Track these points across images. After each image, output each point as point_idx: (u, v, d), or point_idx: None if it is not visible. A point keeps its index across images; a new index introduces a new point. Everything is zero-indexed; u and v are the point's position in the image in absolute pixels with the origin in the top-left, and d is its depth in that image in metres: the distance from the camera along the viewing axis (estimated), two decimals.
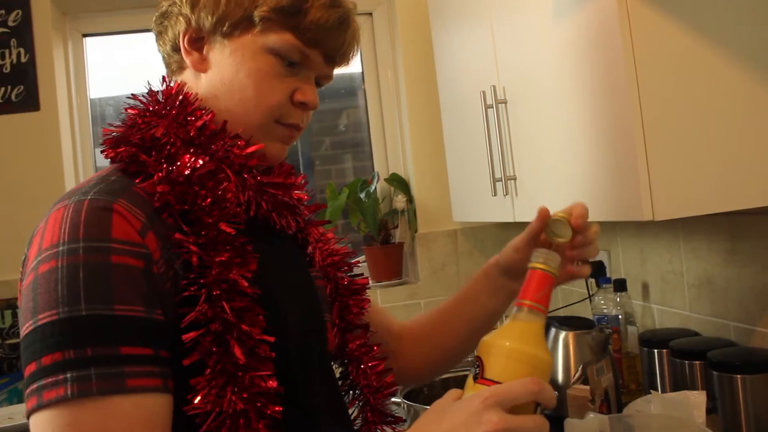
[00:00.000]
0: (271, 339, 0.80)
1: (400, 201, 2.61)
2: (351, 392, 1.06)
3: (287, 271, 0.94)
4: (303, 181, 0.98)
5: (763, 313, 1.44)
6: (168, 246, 0.78)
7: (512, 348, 0.76)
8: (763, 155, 1.23)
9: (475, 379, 0.76)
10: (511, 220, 1.78)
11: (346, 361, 1.06)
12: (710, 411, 1.25)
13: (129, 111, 0.88)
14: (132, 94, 0.90)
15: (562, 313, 2.03)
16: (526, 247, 1.03)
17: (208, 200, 0.80)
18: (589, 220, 1.38)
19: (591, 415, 0.97)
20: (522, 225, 2.47)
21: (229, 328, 0.77)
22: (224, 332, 0.77)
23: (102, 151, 0.86)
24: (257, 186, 0.88)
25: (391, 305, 2.51)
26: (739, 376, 1.37)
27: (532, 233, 1.03)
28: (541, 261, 0.82)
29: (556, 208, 1.52)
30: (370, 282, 2.60)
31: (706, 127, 1.21)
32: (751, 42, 1.22)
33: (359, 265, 2.67)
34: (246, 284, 0.80)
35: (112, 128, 0.87)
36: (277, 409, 0.78)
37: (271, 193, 0.90)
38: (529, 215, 1.68)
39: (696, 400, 1.20)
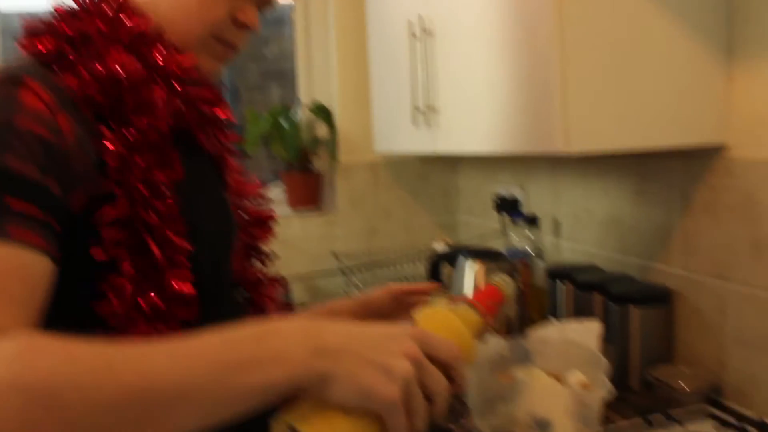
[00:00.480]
0: (190, 247, 0.80)
1: (322, 130, 2.58)
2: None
3: (206, 189, 0.93)
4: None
5: (662, 251, 1.51)
6: (87, 138, 0.75)
7: (451, 321, 0.76)
8: (674, 98, 1.27)
9: None
10: (431, 151, 1.79)
11: (246, 289, 1.07)
12: (605, 339, 1.31)
13: (58, 9, 0.84)
14: None
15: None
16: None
17: (136, 103, 0.78)
18: (508, 151, 1.40)
19: (490, 338, 1.00)
20: (441, 156, 2.50)
21: (149, 230, 0.77)
22: (144, 233, 0.76)
23: (20, 43, 0.81)
24: (186, 97, 0.85)
25: (308, 234, 2.51)
26: (633, 307, 1.44)
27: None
28: (500, 281, 0.88)
29: (474, 140, 1.54)
30: (287, 209, 2.59)
31: (623, 67, 1.23)
32: None
33: (270, 198, 2.64)
34: (169, 189, 0.79)
35: (36, 21, 0.82)
36: (192, 313, 0.78)
37: (198, 107, 0.88)
38: (448, 147, 1.70)
39: (592, 328, 1.25)
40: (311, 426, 0.64)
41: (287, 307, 1.06)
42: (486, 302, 0.84)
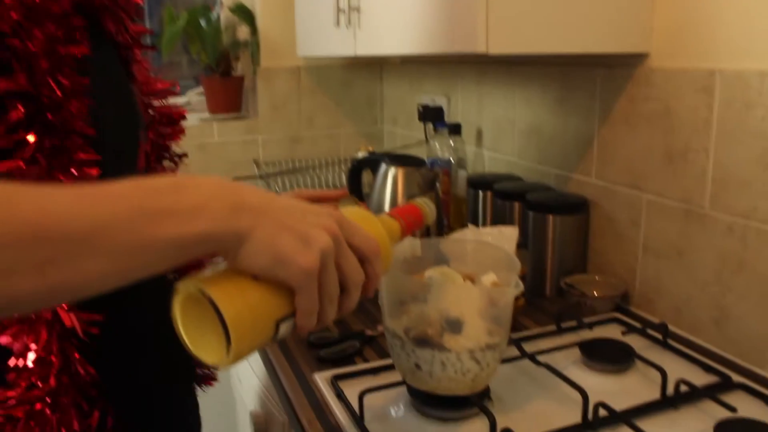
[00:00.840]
0: (91, 131, 0.74)
1: (243, 32, 2.47)
2: None
3: (111, 76, 0.86)
4: None
5: (580, 161, 1.52)
6: None
7: (372, 219, 0.74)
8: (599, 3, 1.24)
9: None
10: (352, 53, 1.73)
11: None
12: (521, 245, 1.32)
13: None
14: None
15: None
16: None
17: None
18: (428, 52, 1.36)
19: (405, 239, 0.98)
20: (366, 63, 2.43)
21: (52, 107, 0.70)
22: (44, 109, 0.70)
23: None
24: None
25: (228, 140, 2.43)
26: (550, 216, 1.45)
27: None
28: (422, 202, 0.87)
29: (396, 41, 1.49)
30: (208, 115, 2.50)
31: None
32: None
33: (180, 95, 2.54)
34: (75, 63, 0.72)
35: None
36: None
37: None
38: (370, 49, 1.64)
39: (509, 234, 1.25)
40: (219, 288, 0.60)
41: None
42: (405, 217, 0.82)
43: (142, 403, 0.84)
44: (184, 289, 0.61)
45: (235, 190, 0.60)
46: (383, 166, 1.57)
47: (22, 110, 0.70)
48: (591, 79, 1.47)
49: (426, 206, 0.87)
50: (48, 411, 0.71)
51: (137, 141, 0.92)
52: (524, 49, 1.22)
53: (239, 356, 0.62)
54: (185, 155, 1.07)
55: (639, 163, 1.35)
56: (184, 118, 1.06)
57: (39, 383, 0.70)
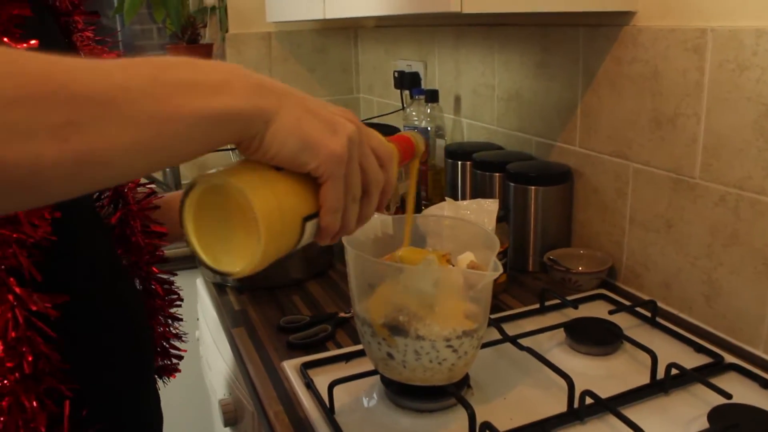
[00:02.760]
0: None
1: None
2: (112, 205, 0.93)
3: (53, 45, 0.77)
4: None
5: (563, 129, 1.44)
6: None
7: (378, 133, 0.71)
8: None
9: None
10: (321, 16, 1.63)
11: None
12: (502, 219, 1.24)
13: None
14: None
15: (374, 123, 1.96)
16: None
17: None
18: (399, 12, 1.27)
19: (375, 215, 0.90)
20: (335, 23, 2.33)
21: None
22: None
23: None
24: None
25: None
26: (532, 187, 1.37)
27: None
28: (413, 133, 0.82)
29: (366, 2, 1.39)
30: None
31: None
32: None
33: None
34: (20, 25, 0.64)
35: None
36: None
37: None
38: (339, 11, 1.55)
39: (489, 207, 1.18)
40: (244, 179, 0.55)
41: (149, 195, 0.93)
42: (398, 144, 0.76)
43: (104, 396, 0.77)
44: (204, 182, 0.56)
45: (253, 73, 0.56)
46: None
47: None
48: (574, 41, 1.38)
49: (417, 138, 0.81)
50: (23, 400, 0.64)
51: None
52: (501, 8, 1.13)
53: (267, 257, 0.57)
54: None
55: (625, 130, 1.28)
56: None
57: (8, 374, 0.63)
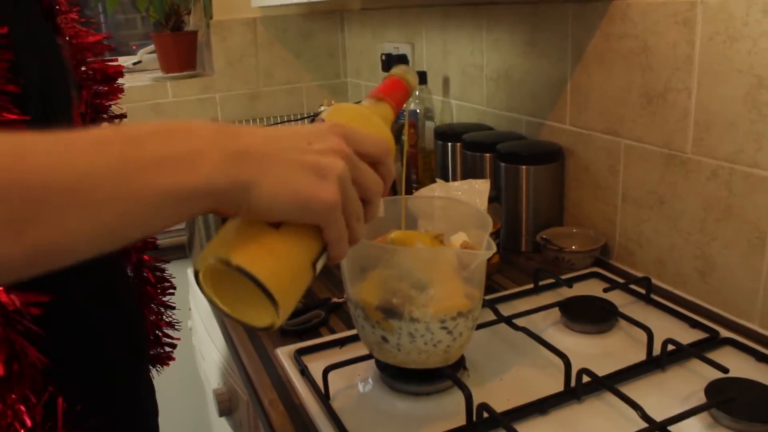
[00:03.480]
0: (16, 89, 0.63)
1: None
2: None
3: (32, 28, 0.75)
4: None
5: (553, 107, 1.43)
6: None
7: (367, 115, 0.68)
8: None
9: None
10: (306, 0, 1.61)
11: None
12: (493, 199, 1.23)
13: None
14: None
15: None
16: None
17: None
18: None
19: None
20: (322, 6, 2.30)
21: None
22: None
23: None
24: None
25: (184, 99, 2.30)
26: (523, 166, 1.36)
27: None
28: (401, 71, 0.78)
29: None
30: (161, 75, 2.36)
31: None
32: None
33: (113, 50, 2.40)
34: None
35: None
36: None
37: None
38: None
39: (480, 187, 1.17)
40: (244, 252, 0.54)
41: None
42: (392, 95, 0.74)
43: (98, 388, 0.76)
44: (203, 263, 0.55)
45: (233, 133, 0.53)
46: None
47: None
48: (562, 17, 1.37)
49: (407, 74, 0.78)
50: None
51: (69, 101, 0.82)
52: None
53: (288, 311, 0.58)
54: (124, 116, 0.97)
55: (616, 107, 1.26)
56: (120, 74, 0.95)
57: None
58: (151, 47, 2.48)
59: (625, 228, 1.29)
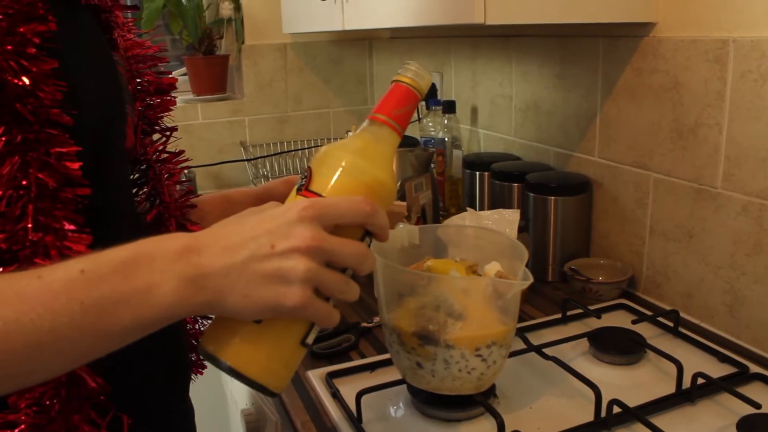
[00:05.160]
0: (68, 120, 0.65)
1: (226, 8, 2.36)
2: (149, 201, 0.93)
3: (86, 46, 0.77)
4: None
5: (582, 139, 1.44)
6: None
7: (349, 161, 0.63)
8: None
9: (298, 190, 0.64)
10: (340, 27, 1.65)
11: (144, 166, 0.93)
12: (522, 229, 1.25)
13: None
14: None
15: None
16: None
17: None
18: (422, 24, 1.27)
19: (401, 225, 0.91)
20: (352, 34, 2.34)
21: (19, 96, 0.62)
22: (11, 99, 0.61)
23: None
24: None
25: (214, 121, 2.35)
26: (552, 197, 1.38)
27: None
28: (409, 75, 0.68)
29: (386, 13, 1.40)
30: (191, 96, 2.41)
31: None
32: None
33: (168, 63, 2.44)
34: (39, 43, 0.63)
35: None
36: (84, 191, 0.65)
37: None
38: (359, 23, 1.56)
39: (510, 217, 1.19)
40: (230, 350, 0.59)
41: (187, 193, 0.93)
42: (395, 110, 0.67)
43: (148, 408, 0.78)
44: (203, 353, 0.60)
45: (193, 254, 0.56)
46: None
47: None
48: (593, 51, 1.39)
49: (417, 80, 0.68)
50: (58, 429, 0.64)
51: (124, 119, 0.83)
52: (523, 19, 1.14)
53: (284, 386, 0.62)
54: (175, 129, 0.98)
55: (645, 140, 1.28)
56: (174, 87, 0.96)
57: (46, 401, 0.62)
58: (183, 69, 2.53)
59: (653, 260, 1.30)
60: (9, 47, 0.62)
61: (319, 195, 0.62)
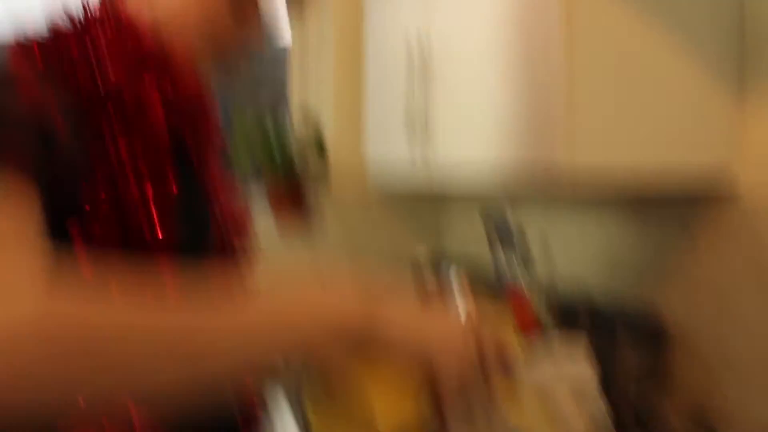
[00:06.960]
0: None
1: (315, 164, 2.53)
2: None
3: (193, 207, 0.79)
4: None
5: (662, 290, 1.46)
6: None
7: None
8: (680, 130, 1.24)
9: None
10: (426, 183, 1.74)
11: None
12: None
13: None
14: None
15: None
16: None
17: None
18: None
19: None
20: (437, 196, 2.43)
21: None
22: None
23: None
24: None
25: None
26: (628, 347, 1.38)
27: None
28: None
29: (471, 171, 1.48)
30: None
31: (629, 97, 1.21)
32: (688, 19, 1.23)
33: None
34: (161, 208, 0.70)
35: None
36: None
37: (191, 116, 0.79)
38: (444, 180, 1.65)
39: (586, 374, 1.20)
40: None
41: None
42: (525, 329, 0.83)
43: None
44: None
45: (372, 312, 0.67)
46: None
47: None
48: (674, 214, 1.44)
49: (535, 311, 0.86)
50: None
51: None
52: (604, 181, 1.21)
53: None
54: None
55: (727, 292, 1.30)
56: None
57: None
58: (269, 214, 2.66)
59: (734, 409, 1.27)
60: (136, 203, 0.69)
61: None
